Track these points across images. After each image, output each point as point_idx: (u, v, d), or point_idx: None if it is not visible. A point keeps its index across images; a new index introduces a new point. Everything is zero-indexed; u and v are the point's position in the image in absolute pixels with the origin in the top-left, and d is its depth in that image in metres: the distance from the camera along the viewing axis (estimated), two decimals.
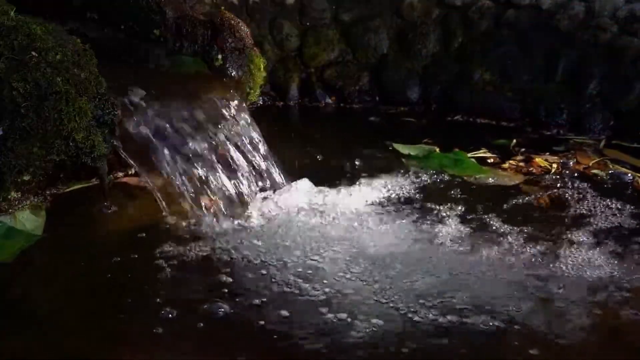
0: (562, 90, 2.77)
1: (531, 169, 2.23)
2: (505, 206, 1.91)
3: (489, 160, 2.32)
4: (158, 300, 1.40)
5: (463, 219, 1.81)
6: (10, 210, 1.66)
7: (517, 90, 2.85)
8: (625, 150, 2.43)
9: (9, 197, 1.64)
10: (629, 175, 2.16)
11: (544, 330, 1.31)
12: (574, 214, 1.86)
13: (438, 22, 3.10)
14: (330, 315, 1.34)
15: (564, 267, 1.56)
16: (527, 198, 1.97)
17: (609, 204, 1.91)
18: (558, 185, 2.07)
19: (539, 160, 2.30)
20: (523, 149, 2.43)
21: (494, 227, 1.76)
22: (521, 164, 2.27)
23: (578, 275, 1.52)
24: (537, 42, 2.85)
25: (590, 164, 2.27)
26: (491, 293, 1.44)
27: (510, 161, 2.30)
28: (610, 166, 2.24)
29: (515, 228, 1.74)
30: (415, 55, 3.09)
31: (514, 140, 2.53)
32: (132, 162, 1.74)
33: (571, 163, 2.28)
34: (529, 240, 1.68)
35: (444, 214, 1.84)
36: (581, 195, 1.98)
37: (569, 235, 1.71)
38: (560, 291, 1.46)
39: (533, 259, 1.59)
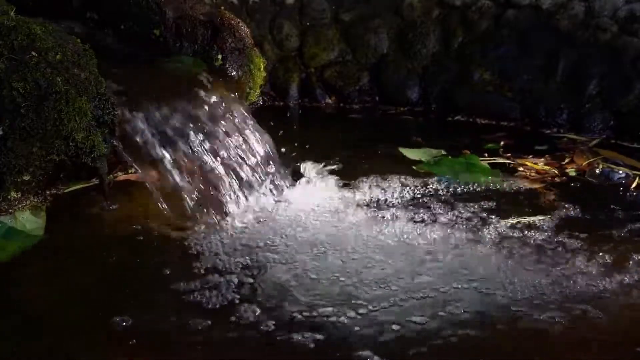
0: (562, 90, 2.77)
1: (546, 175, 2.20)
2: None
3: (505, 165, 2.29)
4: (159, 300, 1.40)
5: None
6: (10, 211, 1.66)
7: (517, 90, 2.85)
8: (625, 151, 2.43)
9: (9, 197, 1.63)
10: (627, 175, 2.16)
11: None
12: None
13: (438, 22, 3.10)
14: None
15: None
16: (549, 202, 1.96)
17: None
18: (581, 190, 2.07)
19: (530, 163, 2.28)
20: (510, 153, 2.40)
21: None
22: (533, 172, 2.23)
23: None
24: (537, 42, 2.84)
25: (584, 164, 2.26)
26: None
27: (523, 165, 2.27)
28: (603, 166, 2.22)
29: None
30: (415, 55, 3.09)
31: (502, 142, 2.52)
32: (132, 162, 1.74)
33: (570, 164, 2.28)
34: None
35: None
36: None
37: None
38: None
39: None
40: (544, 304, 1.40)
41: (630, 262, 1.58)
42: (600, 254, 1.62)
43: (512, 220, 1.80)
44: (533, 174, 2.20)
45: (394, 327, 1.31)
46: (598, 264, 1.57)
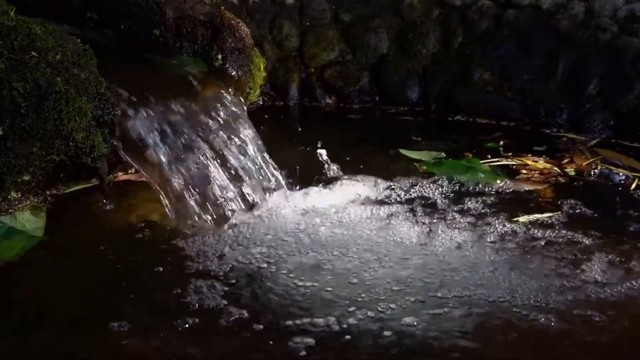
0: (562, 90, 2.77)
1: (549, 175, 2.18)
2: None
3: (507, 166, 2.26)
4: (158, 300, 1.40)
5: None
6: (10, 211, 1.66)
7: (517, 90, 2.85)
8: (625, 151, 2.43)
9: (9, 197, 1.64)
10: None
11: None
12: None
13: (438, 22, 3.10)
14: None
15: None
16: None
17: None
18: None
19: (531, 162, 2.27)
20: (510, 154, 2.38)
21: None
22: (536, 173, 2.21)
23: None
24: (537, 42, 2.84)
25: (584, 165, 2.26)
26: None
27: (525, 166, 2.25)
28: (602, 167, 2.22)
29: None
30: (415, 55, 3.09)
31: (501, 142, 2.51)
32: (131, 162, 1.74)
33: (569, 164, 2.27)
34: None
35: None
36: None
37: None
38: None
39: None
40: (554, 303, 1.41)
41: None
42: (614, 252, 1.62)
43: (522, 220, 1.80)
44: (536, 176, 2.19)
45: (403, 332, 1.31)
46: (616, 263, 1.57)
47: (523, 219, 1.81)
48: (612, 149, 2.45)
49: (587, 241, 1.68)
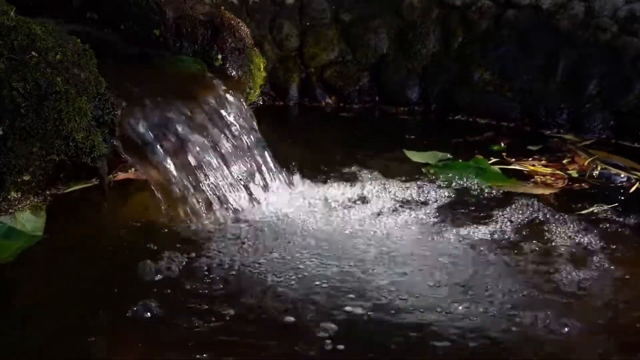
0: (562, 90, 2.77)
1: (560, 177, 2.17)
2: None
3: (512, 168, 2.24)
4: (158, 300, 1.40)
5: None
6: (10, 211, 1.66)
7: (517, 90, 2.85)
8: (624, 151, 2.43)
9: (9, 197, 1.64)
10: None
11: None
12: None
13: (438, 22, 3.09)
14: None
15: None
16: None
17: None
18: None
19: (531, 167, 2.26)
20: (514, 157, 2.36)
21: None
22: (546, 175, 2.19)
23: None
24: (537, 42, 2.84)
25: (585, 164, 2.26)
26: None
27: (532, 169, 2.24)
28: (601, 168, 2.22)
29: None
30: (415, 55, 3.09)
31: (502, 144, 2.50)
32: (132, 162, 1.74)
33: (570, 164, 2.27)
34: None
35: None
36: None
37: None
38: None
39: None
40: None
41: None
42: None
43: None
44: (549, 179, 2.15)
45: None
46: None
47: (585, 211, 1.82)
48: (608, 149, 2.45)
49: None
